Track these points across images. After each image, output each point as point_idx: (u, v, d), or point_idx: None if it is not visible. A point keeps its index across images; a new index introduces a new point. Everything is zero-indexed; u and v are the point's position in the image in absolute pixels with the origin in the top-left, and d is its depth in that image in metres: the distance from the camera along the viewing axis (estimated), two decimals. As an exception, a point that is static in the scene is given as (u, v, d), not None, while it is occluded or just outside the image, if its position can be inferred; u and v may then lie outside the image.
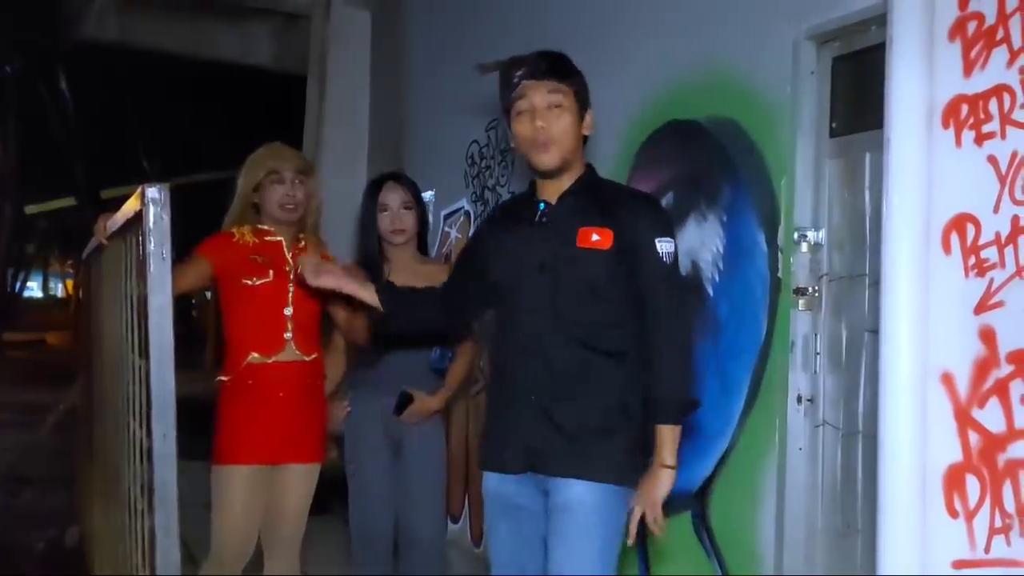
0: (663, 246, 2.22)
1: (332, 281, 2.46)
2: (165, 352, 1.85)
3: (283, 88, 7.29)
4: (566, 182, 2.30)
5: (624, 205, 2.28)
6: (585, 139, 2.33)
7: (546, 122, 2.22)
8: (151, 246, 1.85)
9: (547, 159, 2.25)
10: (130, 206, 2.08)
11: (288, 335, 2.92)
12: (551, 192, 2.31)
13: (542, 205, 2.31)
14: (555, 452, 2.22)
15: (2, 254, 15.54)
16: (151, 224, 1.85)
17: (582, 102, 2.28)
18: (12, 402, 9.72)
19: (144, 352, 1.94)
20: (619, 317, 2.24)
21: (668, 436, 2.19)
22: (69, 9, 7.79)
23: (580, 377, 2.23)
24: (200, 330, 13.83)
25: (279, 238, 2.98)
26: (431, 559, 3.21)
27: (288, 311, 2.93)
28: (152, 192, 1.86)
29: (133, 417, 2.18)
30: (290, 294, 2.93)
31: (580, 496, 2.19)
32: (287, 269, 2.94)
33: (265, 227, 2.98)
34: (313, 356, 3.00)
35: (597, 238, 2.24)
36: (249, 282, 2.89)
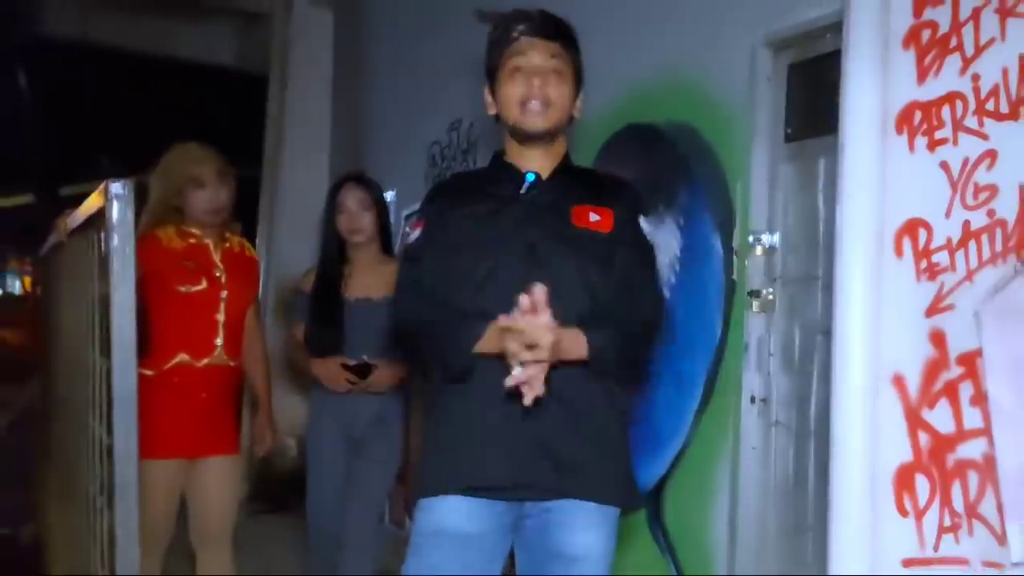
0: (647, 226, 2.01)
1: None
2: (127, 350, 1.84)
3: (245, 87, 7.23)
4: (551, 159, 2.02)
5: (610, 186, 2.05)
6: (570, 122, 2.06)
7: (545, 83, 1.94)
8: (114, 242, 1.84)
9: (541, 121, 1.95)
10: (92, 202, 2.06)
11: (219, 341, 2.95)
12: (534, 167, 2.01)
13: (531, 176, 2.00)
14: (548, 475, 1.89)
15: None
16: (115, 220, 1.84)
17: (578, 80, 2.02)
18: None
19: (105, 350, 1.93)
20: (605, 314, 1.90)
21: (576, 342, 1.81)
22: (27, 4, 7.67)
23: (576, 388, 1.89)
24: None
25: (206, 241, 2.98)
26: (359, 562, 3.19)
27: (220, 317, 2.95)
28: (116, 187, 1.84)
29: (93, 415, 2.16)
30: (222, 301, 2.96)
31: (586, 540, 1.91)
32: (217, 274, 2.96)
33: (190, 229, 2.97)
34: (237, 361, 3.03)
35: (596, 218, 1.94)
36: (183, 289, 2.89)
